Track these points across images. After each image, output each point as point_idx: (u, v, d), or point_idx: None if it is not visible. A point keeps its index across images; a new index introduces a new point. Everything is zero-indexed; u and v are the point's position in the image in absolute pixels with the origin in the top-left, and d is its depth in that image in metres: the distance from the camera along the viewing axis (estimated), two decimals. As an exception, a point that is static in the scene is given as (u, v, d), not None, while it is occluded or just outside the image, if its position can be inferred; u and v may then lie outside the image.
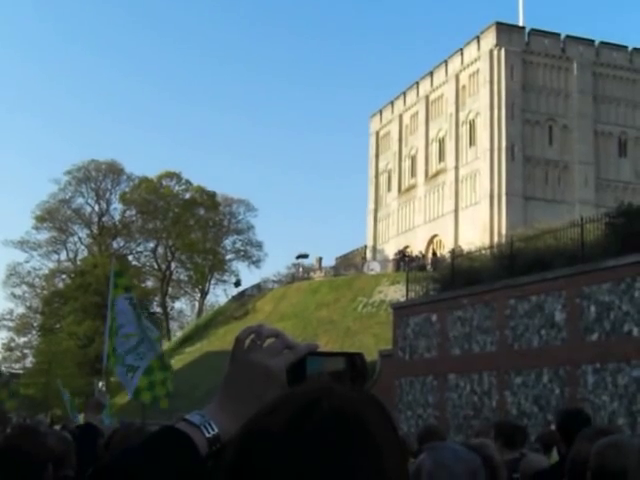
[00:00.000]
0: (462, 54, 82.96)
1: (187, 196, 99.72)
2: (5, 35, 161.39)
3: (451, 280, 30.68)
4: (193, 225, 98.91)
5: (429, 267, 43.50)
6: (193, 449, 1.59)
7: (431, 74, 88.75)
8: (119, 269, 12.48)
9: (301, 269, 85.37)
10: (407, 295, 34.68)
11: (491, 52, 77.67)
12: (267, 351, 1.69)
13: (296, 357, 1.66)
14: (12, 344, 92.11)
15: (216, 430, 1.63)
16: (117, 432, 5.33)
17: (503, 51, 77.01)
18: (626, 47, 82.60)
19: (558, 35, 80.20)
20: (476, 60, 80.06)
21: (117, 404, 64.75)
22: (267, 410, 1.29)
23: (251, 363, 1.68)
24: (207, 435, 1.62)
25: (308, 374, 1.64)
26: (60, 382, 29.00)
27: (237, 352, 1.72)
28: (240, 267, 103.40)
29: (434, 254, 69.18)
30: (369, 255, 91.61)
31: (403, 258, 71.76)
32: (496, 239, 59.10)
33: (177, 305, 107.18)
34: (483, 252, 33.07)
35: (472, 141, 79.84)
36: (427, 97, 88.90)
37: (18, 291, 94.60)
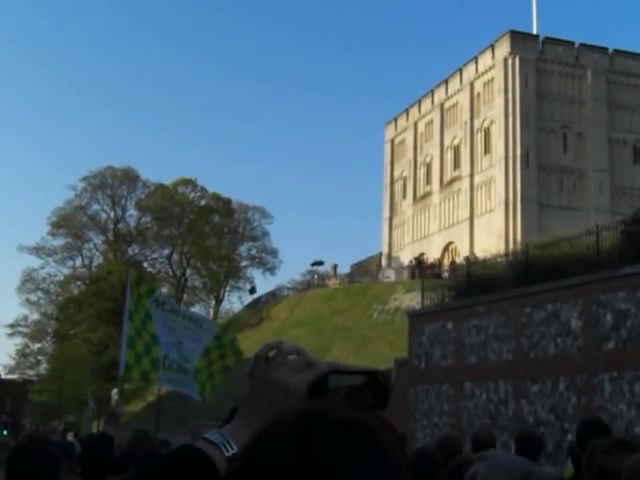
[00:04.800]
0: (477, 62, 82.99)
1: (202, 203, 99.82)
2: (25, 44, 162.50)
3: (466, 288, 30.57)
4: (208, 232, 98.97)
5: (445, 274, 43.32)
6: (212, 468, 1.57)
7: (446, 82, 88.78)
8: (137, 277, 12.37)
9: (316, 276, 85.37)
10: (422, 303, 34.57)
11: (505, 60, 77.65)
12: (288, 369, 1.65)
13: (317, 375, 1.62)
14: (26, 350, 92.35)
15: (235, 449, 1.60)
16: (129, 442, 5.30)
17: (517, 59, 77.00)
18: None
19: (572, 43, 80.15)
20: (491, 68, 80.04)
21: (132, 411, 64.86)
22: (275, 420, 1.30)
23: (271, 381, 1.65)
24: (227, 454, 1.60)
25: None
26: (90, 393, 29.10)
27: (257, 369, 1.68)
28: (255, 274, 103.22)
29: (452, 262, 68.94)
30: (384, 262, 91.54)
31: (418, 265, 71.70)
32: (511, 247, 58.98)
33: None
34: (498, 260, 32.93)
35: (487, 149, 79.79)
36: (442, 105, 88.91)
37: (33, 297, 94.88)
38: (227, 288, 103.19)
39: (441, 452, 7.12)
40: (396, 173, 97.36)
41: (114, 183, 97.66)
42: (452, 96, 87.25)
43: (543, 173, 76.10)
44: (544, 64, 78.29)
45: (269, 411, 1.60)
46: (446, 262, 74.15)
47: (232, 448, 1.60)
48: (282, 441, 1.24)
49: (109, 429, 6.59)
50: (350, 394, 1.60)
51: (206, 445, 1.60)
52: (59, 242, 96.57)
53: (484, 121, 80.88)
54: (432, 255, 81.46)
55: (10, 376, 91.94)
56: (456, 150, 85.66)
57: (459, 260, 63.02)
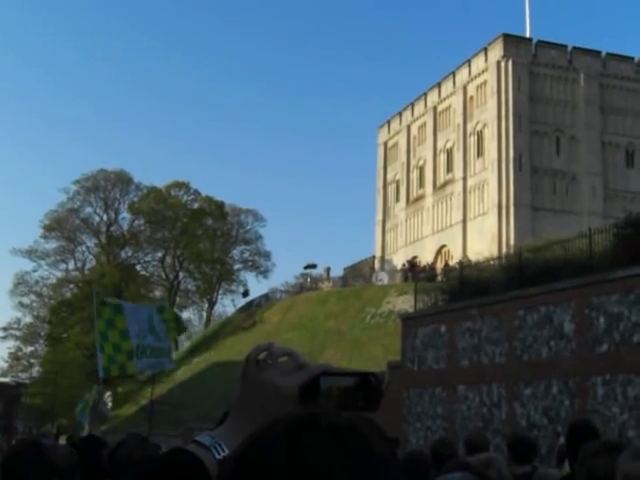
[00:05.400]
0: (470, 65, 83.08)
1: (195, 206, 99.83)
2: (19, 46, 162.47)
3: (459, 291, 30.56)
4: (201, 235, 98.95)
5: (439, 277, 43.27)
6: (203, 471, 1.56)
7: (439, 85, 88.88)
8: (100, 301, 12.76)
9: (309, 279, 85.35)
10: (415, 306, 34.57)
11: (498, 63, 77.76)
12: (279, 371, 1.65)
13: (308, 377, 1.61)
14: (19, 353, 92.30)
15: (227, 451, 1.60)
16: (121, 444, 5.28)
17: (510, 62, 77.11)
18: (632, 58, 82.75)
19: (565, 46, 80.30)
20: (484, 71, 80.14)
21: (123, 415, 64.79)
22: (266, 425, 1.31)
23: (262, 383, 1.64)
24: (218, 457, 1.59)
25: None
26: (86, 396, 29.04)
27: (248, 372, 1.67)
28: (248, 277, 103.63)
29: (446, 264, 68.96)
30: (377, 265, 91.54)
31: (411, 269, 71.70)
32: (504, 250, 59.02)
33: (185, 315, 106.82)
34: (492, 263, 32.93)
35: (480, 152, 79.86)
36: (435, 108, 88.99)
37: (26, 300, 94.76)
38: (220, 291, 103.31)
39: (435, 456, 7.12)
40: (389, 176, 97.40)
41: (107, 186, 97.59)
42: (445, 99, 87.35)
43: (536, 176, 76.20)
44: (537, 67, 78.43)
45: (260, 414, 1.60)
46: (439, 265, 74.14)
47: (223, 451, 1.60)
48: (273, 445, 1.25)
49: (96, 430, 6.58)
50: (341, 395, 1.59)
51: (197, 448, 1.60)
52: (52, 245, 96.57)
53: (477, 124, 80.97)
54: (425, 258, 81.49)
55: (3, 379, 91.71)
56: (449, 153, 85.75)
57: (452, 263, 63.04)
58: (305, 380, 1.61)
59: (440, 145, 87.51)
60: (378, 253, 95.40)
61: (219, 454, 1.59)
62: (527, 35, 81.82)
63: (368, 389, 1.60)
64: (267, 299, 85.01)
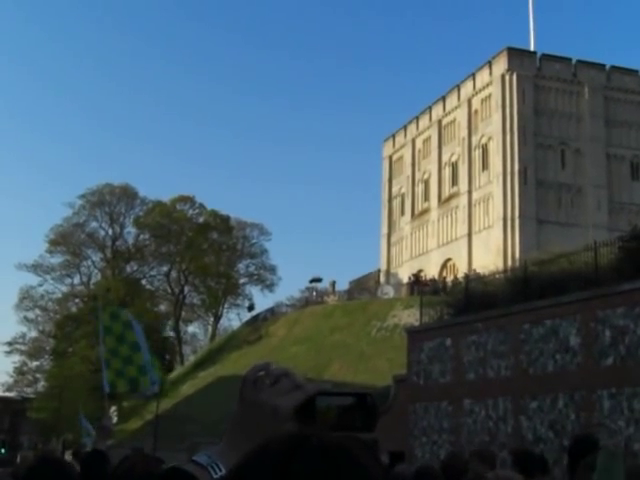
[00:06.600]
0: (474, 79, 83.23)
1: (201, 220, 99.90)
2: (23, 61, 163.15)
3: (465, 304, 30.52)
4: (206, 249, 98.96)
5: (448, 290, 43.26)
6: None
7: (444, 99, 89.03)
8: (104, 303, 12.86)
9: (315, 293, 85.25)
10: (421, 319, 34.54)
11: (503, 77, 77.89)
12: (276, 391, 1.65)
13: (305, 397, 1.62)
14: (24, 368, 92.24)
15: (224, 471, 1.60)
16: (125, 460, 5.26)
17: (515, 76, 77.24)
18: (637, 71, 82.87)
19: (569, 60, 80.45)
20: (488, 85, 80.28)
21: (129, 429, 64.71)
22: (261, 444, 1.33)
23: (260, 403, 1.64)
24: (214, 476, 1.60)
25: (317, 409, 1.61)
26: (80, 409, 29.15)
27: (245, 391, 1.67)
28: (253, 291, 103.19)
29: (455, 278, 68.92)
30: (383, 279, 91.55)
31: (416, 282, 71.65)
32: (510, 263, 59.01)
33: (190, 329, 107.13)
34: (497, 276, 32.91)
35: (485, 165, 79.92)
36: (440, 122, 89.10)
37: (31, 315, 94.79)
38: (226, 305, 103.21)
39: (446, 469, 7.12)
40: (394, 190, 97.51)
41: (112, 200, 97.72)
42: (450, 113, 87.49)
43: (541, 189, 76.22)
44: (541, 80, 78.54)
45: (257, 433, 1.60)
46: (448, 278, 73.99)
47: (220, 470, 1.60)
48: (266, 465, 1.27)
49: (101, 445, 6.56)
50: (339, 415, 1.59)
51: (194, 467, 1.60)
52: (57, 260, 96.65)
53: (482, 137, 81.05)
54: (430, 272, 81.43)
55: (8, 394, 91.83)
56: (454, 166, 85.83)
57: (458, 276, 62.97)
58: (301, 400, 1.61)
59: (445, 158, 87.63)
60: (383, 266, 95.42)
61: (216, 473, 1.59)
62: (531, 48, 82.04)
63: (365, 409, 1.60)
64: (272, 313, 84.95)
